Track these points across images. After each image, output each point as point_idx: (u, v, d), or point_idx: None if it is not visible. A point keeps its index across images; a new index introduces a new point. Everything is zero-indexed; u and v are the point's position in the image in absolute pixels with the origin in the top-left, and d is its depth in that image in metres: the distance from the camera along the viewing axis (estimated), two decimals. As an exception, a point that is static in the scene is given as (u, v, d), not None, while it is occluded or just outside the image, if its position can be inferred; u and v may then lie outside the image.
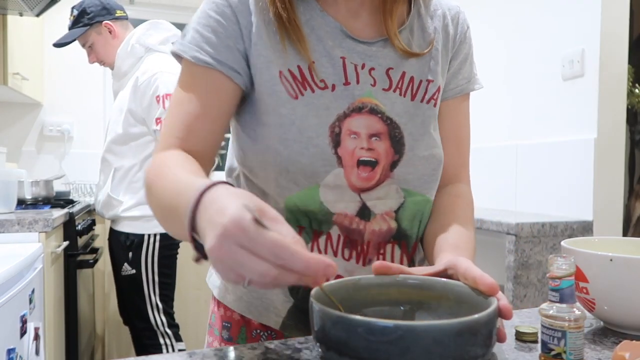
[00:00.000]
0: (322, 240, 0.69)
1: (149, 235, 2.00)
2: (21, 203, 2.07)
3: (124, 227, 2.01)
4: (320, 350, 0.48)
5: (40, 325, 1.54)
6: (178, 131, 0.68)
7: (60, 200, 2.30)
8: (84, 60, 3.12)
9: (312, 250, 0.70)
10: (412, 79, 0.72)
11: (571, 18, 1.99)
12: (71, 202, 2.33)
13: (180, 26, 2.18)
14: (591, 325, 0.76)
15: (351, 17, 0.71)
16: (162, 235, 2.02)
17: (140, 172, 2.00)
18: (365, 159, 0.68)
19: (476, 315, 0.45)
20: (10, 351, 1.24)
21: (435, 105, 0.74)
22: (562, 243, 0.77)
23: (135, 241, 2.00)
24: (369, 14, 0.72)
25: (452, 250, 0.64)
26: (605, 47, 1.87)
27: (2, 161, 2.33)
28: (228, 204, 0.43)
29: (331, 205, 0.68)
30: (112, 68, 2.11)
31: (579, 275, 0.71)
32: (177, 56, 0.70)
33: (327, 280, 0.45)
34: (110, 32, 2.10)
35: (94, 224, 2.49)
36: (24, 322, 1.36)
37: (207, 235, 0.43)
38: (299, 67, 0.67)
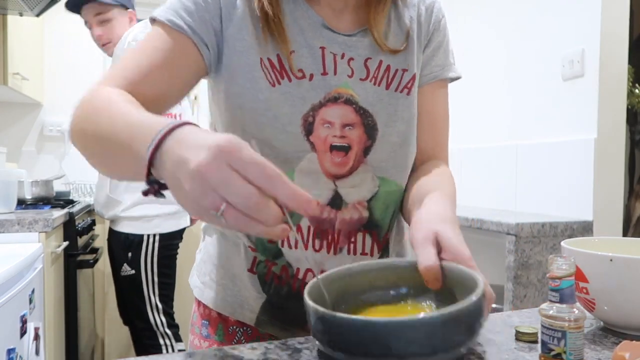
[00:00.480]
0: (291, 233, 0.54)
1: (149, 236, 2.00)
2: (21, 203, 2.07)
3: (123, 227, 2.01)
4: (318, 344, 0.51)
5: (40, 325, 1.54)
6: (131, 74, 0.64)
7: (60, 200, 2.30)
8: (84, 60, 3.13)
9: (282, 244, 0.71)
10: (388, 67, 0.73)
11: (571, 18, 1.99)
12: (71, 202, 2.33)
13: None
14: (591, 325, 0.76)
15: (334, 14, 0.72)
16: (161, 235, 2.02)
17: None
18: (338, 144, 0.70)
19: (460, 306, 0.47)
20: (10, 351, 1.24)
21: (409, 93, 0.75)
22: (562, 243, 0.77)
23: (135, 241, 1.99)
24: (351, 12, 0.73)
25: (436, 218, 0.62)
26: (605, 47, 1.87)
27: (2, 161, 2.33)
28: (213, 134, 0.44)
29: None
30: (110, 54, 2.05)
31: (579, 276, 0.71)
32: (153, 20, 0.69)
33: (307, 214, 0.45)
34: (130, 20, 2.08)
35: (94, 224, 2.49)
36: (24, 322, 1.36)
37: (193, 156, 0.42)
38: (277, 56, 0.69)
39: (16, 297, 1.30)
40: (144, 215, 1.99)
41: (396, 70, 0.74)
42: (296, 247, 0.71)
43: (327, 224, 0.71)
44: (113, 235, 2.05)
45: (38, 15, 2.28)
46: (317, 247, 0.72)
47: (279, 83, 0.68)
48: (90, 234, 2.38)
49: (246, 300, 0.76)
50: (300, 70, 0.69)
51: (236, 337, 0.77)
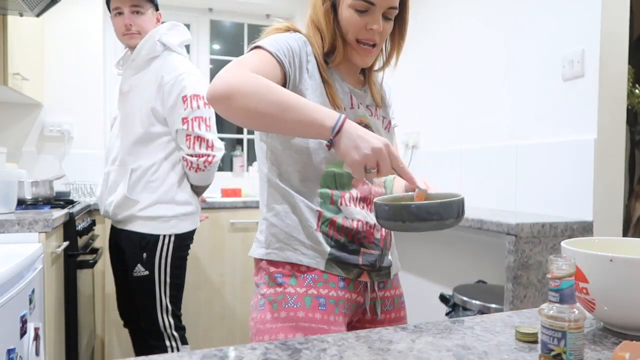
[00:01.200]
0: (347, 196, 1.08)
1: (164, 236, 1.99)
2: (21, 203, 2.07)
3: (139, 227, 1.98)
4: (383, 216, 0.92)
5: (40, 326, 1.54)
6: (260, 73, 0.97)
7: (61, 201, 2.30)
8: (84, 60, 3.14)
9: (340, 203, 1.07)
10: (379, 114, 1.19)
11: (571, 18, 1.99)
12: (71, 203, 2.33)
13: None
14: (591, 325, 0.76)
15: (348, 75, 1.16)
16: (176, 236, 2.01)
17: (159, 172, 1.97)
18: None
19: (450, 199, 0.89)
20: (10, 351, 1.24)
21: (388, 131, 1.20)
22: (562, 243, 0.77)
23: (151, 241, 1.98)
24: (355, 76, 1.18)
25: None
26: (605, 47, 1.87)
27: (3, 161, 2.33)
28: (371, 132, 0.92)
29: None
30: (132, 48, 2.03)
31: (579, 276, 0.71)
32: (257, 47, 1.02)
33: (411, 185, 0.97)
34: (157, 20, 2.09)
35: (94, 224, 2.50)
36: (24, 322, 1.36)
37: (373, 139, 0.88)
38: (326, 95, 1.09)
39: (16, 297, 1.30)
40: (162, 216, 1.98)
41: (382, 117, 1.20)
42: (347, 205, 1.08)
43: (366, 192, 1.10)
44: (125, 235, 2.01)
45: (38, 15, 2.28)
46: (361, 207, 1.10)
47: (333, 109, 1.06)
48: (90, 234, 2.38)
49: (317, 252, 1.06)
50: (339, 106, 1.08)
51: (306, 282, 1.05)
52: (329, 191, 1.07)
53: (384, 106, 1.22)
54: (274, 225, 1.12)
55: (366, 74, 1.21)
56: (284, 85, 1.02)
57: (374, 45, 1.08)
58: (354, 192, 1.08)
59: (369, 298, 1.11)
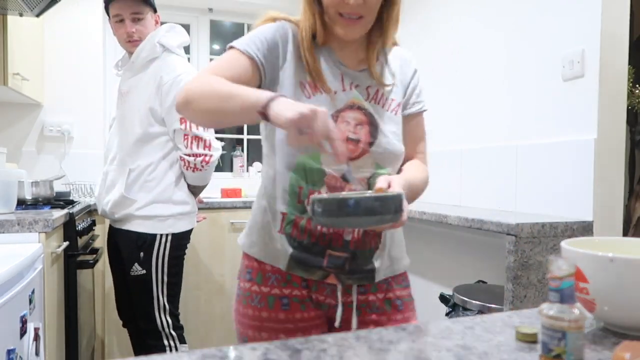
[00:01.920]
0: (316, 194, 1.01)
1: (161, 236, 1.99)
2: (21, 203, 2.07)
3: (135, 227, 1.99)
4: (316, 212, 0.86)
5: (40, 326, 1.54)
6: (220, 74, 1.00)
7: (61, 201, 2.30)
8: (84, 61, 3.13)
9: (308, 202, 1.01)
10: (382, 95, 1.09)
11: (571, 18, 1.99)
12: (71, 203, 2.33)
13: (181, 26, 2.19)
14: (591, 325, 0.76)
15: (343, 54, 1.10)
16: (173, 235, 2.02)
17: (156, 172, 1.98)
18: (352, 137, 1.03)
19: (383, 194, 0.87)
20: (10, 352, 1.24)
21: (396, 114, 1.09)
22: (562, 243, 0.77)
23: (148, 241, 1.98)
24: (355, 54, 1.10)
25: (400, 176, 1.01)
26: (605, 47, 1.87)
27: (3, 161, 2.33)
28: (306, 104, 0.84)
29: (325, 166, 1.01)
30: (132, 51, 2.04)
31: (579, 276, 0.71)
32: (230, 48, 1.06)
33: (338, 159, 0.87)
34: (156, 22, 2.10)
35: (94, 225, 2.50)
36: (24, 322, 1.36)
37: (303, 108, 0.82)
38: (310, 80, 1.05)
39: (16, 298, 1.30)
40: (158, 215, 1.98)
41: (387, 98, 1.09)
42: None
43: (338, 191, 1.01)
44: (122, 234, 2.02)
45: (38, 15, 2.28)
46: None
47: (314, 95, 1.04)
48: (90, 234, 2.38)
49: (279, 252, 1.06)
50: (328, 88, 1.05)
51: (270, 281, 1.06)
52: (297, 189, 1.03)
53: (393, 86, 1.11)
54: (254, 218, 1.13)
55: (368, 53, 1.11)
56: (260, 77, 1.04)
57: (359, 18, 1.00)
58: (324, 191, 1.01)
59: (339, 301, 1.06)
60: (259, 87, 1.04)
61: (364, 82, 1.08)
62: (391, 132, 1.05)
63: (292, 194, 1.04)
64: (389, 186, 0.92)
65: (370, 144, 1.03)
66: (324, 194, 0.95)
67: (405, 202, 0.88)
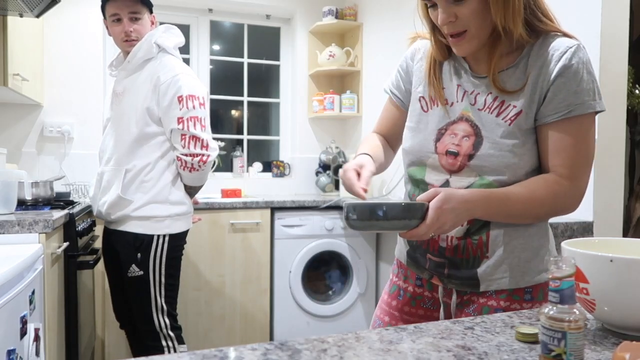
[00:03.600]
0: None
1: (159, 236, 1.99)
2: (21, 204, 2.07)
3: (132, 228, 1.98)
4: (350, 217, 0.94)
5: (41, 326, 1.54)
6: (378, 126, 1.27)
7: (61, 201, 2.30)
8: (84, 61, 3.14)
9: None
10: (502, 102, 1.01)
11: (571, 18, 1.99)
12: (71, 203, 2.33)
13: (180, 27, 2.19)
14: (591, 326, 0.76)
15: (475, 61, 1.07)
16: (171, 236, 2.01)
17: (153, 172, 1.97)
18: (451, 150, 1.04)
19: (409, 202, 0.93)
20: (10, 352, 1.24)
21: (510, 124, 1.00)
22: (563, 244, 0.77)
23: (145, 242, 1.97)
24: (487, 59, 1.04)
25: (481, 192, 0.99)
26: (605, 47, 1.87)
27: (3, 162, 2.33)
28: (352, 162, 1.08)
29: (428, 179, 1.08)
30: (128, 51, 2.03)
31: (579, 276, 0.71)
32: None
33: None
34: (152, 22, 2.10)
35: (94, 225, 2.50)
36: (24, 323, 1.36)
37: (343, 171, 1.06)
38: (432, 94, 1.10)
39: (16, 298, 1.30)
40: (155, 216, 1.97)
41: (508, 105, 1.01)
42: None
43: None
44: (118, 236, 2.01)
45: (38, 16, 2.28)
46: None
47: (431, 109, 1.10)
48: (90, 235, 2.38)
49: (403, 250, 1.18)
50: (446, 100, 1.08)
51: (398, 273, 1.20)
52: (411, 196, 1.13)
53: (520, 92, 1.00)
54: None
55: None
56: (404, 106, 1.19)
57: (463, 33, 0.99)
58: None
59: (440, 300, 1.10)
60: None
61: (485, 89, 1.03)
62: (500, 143, 0.99)
63: (407, 199, 1.15)
64: (434, 196, 0.94)
65: (470, 156, 1.01)
66: (358, 200, 0.98)
67: (431, 213, 0.91)
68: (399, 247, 1.20)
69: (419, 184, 1.09)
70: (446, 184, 1.04)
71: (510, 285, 1.01)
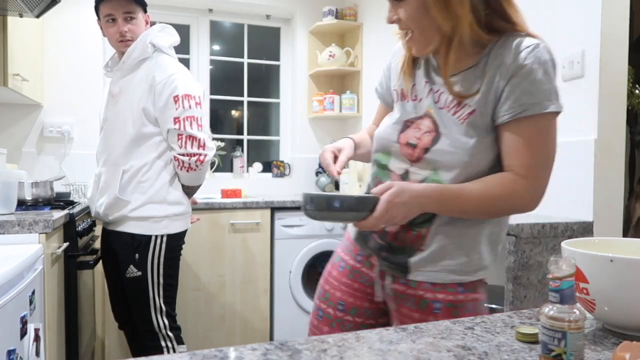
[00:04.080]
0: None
1: (156, 237, 1.98)
2: (21, 204, 2.07)
3: (130, 228, 1.98)
4: (308, 207, 0.99)
5: (41, 327, 1.54)
6: (374, 119, 1.33)
7: (61, 202, 2.30)
8: (84, 61, 3.14)
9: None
10: (458, 103, 1.04)
11: (571, 19, 1.99)
12: (71, 203, 2.33)
13: (180, 27, 2.19)
14: (591, 326, 0.77)
15: (443, 64, 1.07)
16: (169, 236, 2.01)
17: (150, 172, 1.97)
18: (410, 142, 1.09)
19: (362, 195, 0.97)
20: (10, 352, 1.24)
21: (463, 122, 1.03)
22: (563, 244, 0.77)
23: (143, 242, 1.97)
24: (444, 60, 1.06)
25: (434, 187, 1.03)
26: (605, 48, 1.87)
27: (3, 162, 2.33)
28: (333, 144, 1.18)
29: (392, 166, 1.13)
30: (123, 51, 2.03)
31: (579, 276, 0.71)
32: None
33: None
34: (146, 22, 2.09)
35: (94, 225, 2.49)
36: (24, 323, 1.36)
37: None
38: (405, 88, 1.15)
39: (16, 298, 1.31)
40: (153, 216, 1.97)
41: (464, 105, 1.03)
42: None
43: None
44: (116, 236, 2.01)
45: (38, 16, 2.29)
46: None
47: (402, 101, 1.15)
48: (90, 235, 2.38)
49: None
50: (416, 96, 1.12)
51: (343, 245, 1.27)
52: (376, 180, 1.17)
53: (477, 93, 1.02)
54: None
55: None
56: (391, 100, 1.22)
57: (410, 34, 1.04)
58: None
59: (377, 282, 1.16)
60: None
61: (446, 89, 1.06)
62: (452, 141, 1.02)
63: (373, 182, 1.18)
64: (387, 190, 0.98)
65: (426, 150, 1.05)
66: (316, 192, 1.06)
67: (380, 206, 0.96)
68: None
69: (383, 168, 1.15)
70: (406, 173, 1.09)
71: (440, 280, 1.07)
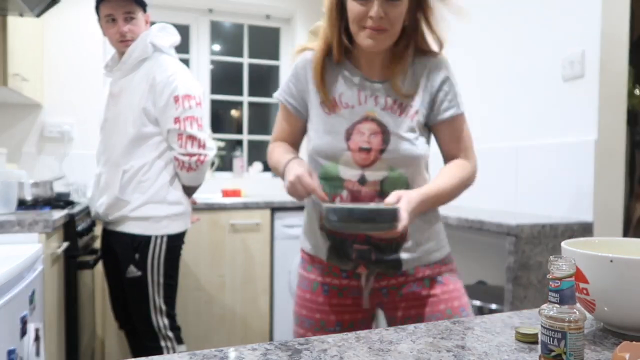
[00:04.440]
0: (337, 199, 1.19)
1: (156, 237, 1.98)
2: (21, 204, 2.07)
3: (130, 228, 1.98)
4: (331, 219, 1.04)
5: (41, 327, 1.54)
6: (278, 136, 1.34)
7: (61, 201, 2.30)
8: (84, 61, 3.14)
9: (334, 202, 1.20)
10: (400, 104, 1.19)
11: (571, 19, 1.99)
12: (71, 203, 2.33)
13: (180, 27, 2.19)
14: (591, 326, 0.77)
15: (369, 70, 1.21)
16: (169, 237, 2.01)
17: (150, 172, 1.97)
18: (364, 146, 1.16)
19: (382, 207, 1.05)
20: (10, 352, 1.24)
21: (412, 120, 1.18)
22: (563, 244, 0.77)
23: (143, 242, 1.97)
24: (379, 69, 1.21)
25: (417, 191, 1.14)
26: (605, 48, 1.87)
27: (3, 162, 2.33)
28: (296, 169, 1.13)
29: (343, 174, 1.17)
30: (123, 50, 2.02)
31: (579, 276, 0.71)
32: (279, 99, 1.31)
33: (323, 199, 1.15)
34: (146, 22, 2.09)
35: (94, 225, 2.49)
36: (24, 323, 1.36)
37: (290, 175, 1.12)
38: (333, 98, 1.21)
39: (16, 298, 1.31)
40: (153, 216, 1.97)
41: (405, 106, 1.19)
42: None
43: (356, 194, 1.18)
44: (116, 236, 2.01)
45: (38, 16, 2.28)
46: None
47: (334, 112, 1.20)
48: (90, 235, 2.38)
49: (321, 246, 1.25)
50: (346, 103, 1.20)
51: (316, 270, 1.27)
52: (326, 191, 1.20)
53: (415, 95, 1.20)
54: (305, 217, 1.33)
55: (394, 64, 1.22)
56: (301, 114, 1.28)
57: (383, 31, 1.12)
58: (344, 194, 1.18)
59: (369, 287, 1.24)
60: (307, 120, 1.28)
61: (383, 93, 1.18)
62: (405, 138, 1.16)
63: (327, 195, 1.21)
64: (398, 201, 1.07)
65: (382, 150, 1.15)
66: (337, 204, 1.12)
67: (402, 215, 1.04)
68: (315, 244, 1.27)
69: (333, 180, 1.19)
70: (362, 178, 1.17)
71: (423, 263, 1.22)
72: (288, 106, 1.28)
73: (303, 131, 1.31)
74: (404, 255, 1.20)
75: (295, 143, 1.33)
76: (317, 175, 1.18)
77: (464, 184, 1.22)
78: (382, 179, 1.16)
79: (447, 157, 1.27)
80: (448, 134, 1.24)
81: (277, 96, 1.30)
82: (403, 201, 1.06)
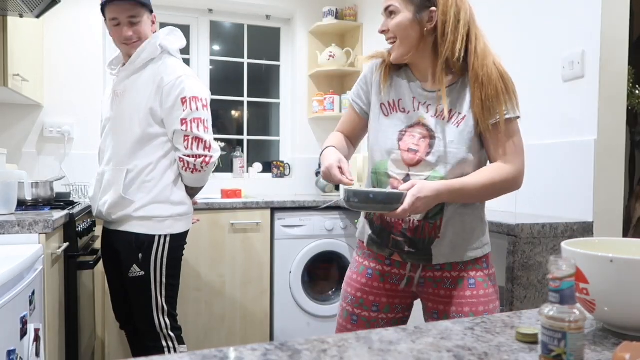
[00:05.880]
0: None
1: (160, 237, 1.98)
2: (21, 204, 2.07)
3: (134, 228, 1.97)
4: (351, 199, 1.19)
5: (41, 327, 1.54)
6: (340, 127, 1.52)
7: (61, 202, 2.30)
8: (84, 61, 3.14)
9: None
10: (450, 111, 1.29)
11: (571, 19, 1.99)
12: (71, 204, 2.33)
13: (180, 27, 2.19)
14: (591, 326, 0.77)
15: (423, 78, 1.35)
16: (172, 236, 2.01)
17: (155, 172, 1.97)
18: (412, 147, 1.29)
19: (391, 191, 1.20)
20: (10, 352, 1.24)
21: (458, 126, 1.28)
22: (563, 244, 0.77)
23: (146, 242, 1.97)
24: (432, 77, 1.33)
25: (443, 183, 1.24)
26: (605, 48, 1.87)
27: (3, 162, 2.33)
28: (331, 156, 1.30)
29: (391, 172, 1.31)
30: (130, 53, 2.03)
31: (579, 277, 0.71)
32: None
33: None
34: (152, 23, 2.09)
35: (94, 225, 2.50)
36: (24, 323, 1.36)
37: (324, 164, 1.30)
38: (392, 102, 1.36)
39: (16, 299, 1.31)
40: (157, 216, 1.97)
41: (455, 113, 1.29)
42: None
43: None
44: (119, 236, 2.01)
45: (38, 16, 2.29)
46: None
47: (391, 114, 1.35)
48: (90, 235, 2.38)
49: (365, 233, 1.40)
50: (403, 108, 1.34)
51: (364, 255, 1.42)
52: (374, 184, 1.35)
53: (462, 105, 1.29)
54: None
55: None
56: (365, 113, 1.43)
57: (393, 41, 1.32)
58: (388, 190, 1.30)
59: (405, 274, 1.35)
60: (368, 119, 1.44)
61: (434, 102, 1.30)
62: (450, 142, 1.27)
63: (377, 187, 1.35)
64: (412, 186, 1.18)
65: (428, 153, 1.27)
66: (354, 187, 1.23)
67: (408, 199, 1.16)
68: (361, 231, 1.43)
69: (382, 176, 1.33)
70: (407, 177, 1.29)
71: (456, 259, 1.30)
72: (354, 105, 1.45)
73: (363, 129, 1.46)
74: (435, 249, 1.29)
75: (353, 137, 1.50)
76: (347, 163, 1.31)
77: (497, 185, 1.28)
78: (425, 177, 1.26)
79: (491, 162, 1.35)
80: (493, 138, 1.30)
81: (348, 97, 1.51)
82: (414, 188, 1.17)
